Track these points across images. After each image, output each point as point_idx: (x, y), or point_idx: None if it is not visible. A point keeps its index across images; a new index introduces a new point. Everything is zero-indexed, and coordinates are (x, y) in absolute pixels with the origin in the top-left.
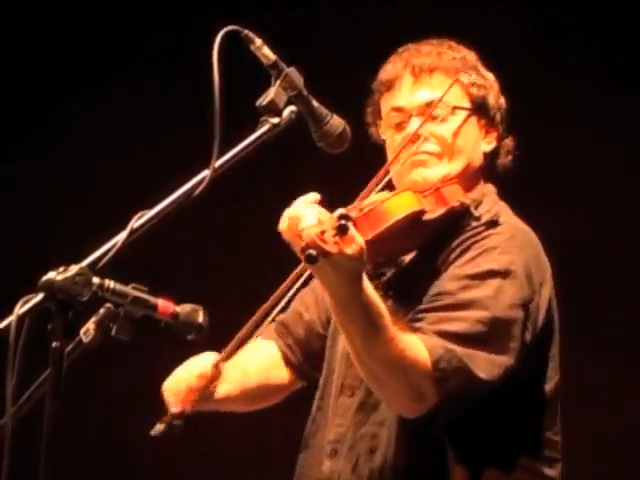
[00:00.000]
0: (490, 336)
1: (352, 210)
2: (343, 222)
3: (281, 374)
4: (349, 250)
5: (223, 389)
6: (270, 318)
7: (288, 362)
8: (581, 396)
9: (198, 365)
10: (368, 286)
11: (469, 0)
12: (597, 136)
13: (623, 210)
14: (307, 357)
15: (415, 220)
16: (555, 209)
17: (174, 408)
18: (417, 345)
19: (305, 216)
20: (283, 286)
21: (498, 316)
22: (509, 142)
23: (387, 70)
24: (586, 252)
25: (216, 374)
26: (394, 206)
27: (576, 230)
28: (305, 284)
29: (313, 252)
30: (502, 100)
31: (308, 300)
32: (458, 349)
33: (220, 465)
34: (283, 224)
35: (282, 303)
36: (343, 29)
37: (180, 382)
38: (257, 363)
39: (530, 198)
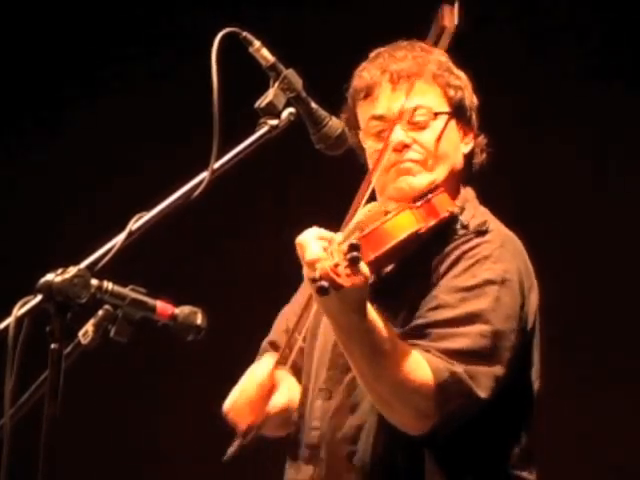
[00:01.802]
0: (492, 349)
1: (353, 232)
2: (355, 254)
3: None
4: (357, 281)
5: (281, 399)
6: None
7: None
8: (557, 398)
9: (255, 376)
10: (371, 312)
11: (468, 2)
12: (597, 136)
13: (623, 211)
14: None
15: (413, 237)
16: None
17: (241, 426)
18: (422, 367)
19: (309, 246)
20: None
21: (498, 328)
22: (482, 140)
23: (363, 77)
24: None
25: (273, 382)
26: (395, 227)
27: (574, 232)
28: None
29: (325, 284)
30: (475, 98)
31: (290, 317)
32: (461, 369)
33: (215, 467)
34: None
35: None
36: (342, 30)
37: (239, 399)
38: (293, 388)
39: (529, 200)
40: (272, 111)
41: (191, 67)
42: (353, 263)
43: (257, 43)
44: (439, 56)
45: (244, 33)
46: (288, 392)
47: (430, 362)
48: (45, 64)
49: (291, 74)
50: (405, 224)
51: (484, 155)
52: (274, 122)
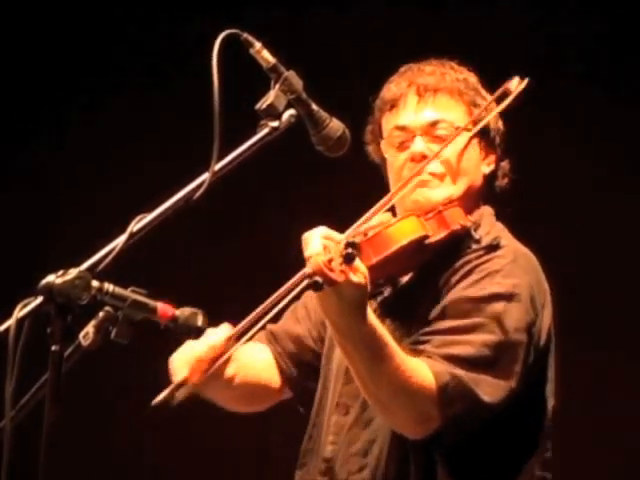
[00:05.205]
0: (496, 360)
1: (357, 235)
2: (350, 250)
3: (274, 378)
4: (355, 279)
5: (231, 370)
6: (276, 310)
7: (279, 368)
8: (575, 413)
9: (210, 337)
10: (371, 316)
11: (469, 8)
12: (598, 140)
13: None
14: (297, 366)
15: (418, 244)
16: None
17: (179, 377)
18: (423, 370)
19: (310, 242)
20: (290, 283)
21: (504, 340)
22: (505, 165)
23: (390, 89)
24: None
25: (227, 349)
26: (399, 232)
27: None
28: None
29: (319, 279)
30: (500, 123)
31: (300, 314)
32: (464, 374)
33: (216, 475)
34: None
35: (289, 297)
36: (343, 32)
37: (189, 352)
38: (255, 362)
39: (532, 208)
40: (273, 113)
41: (192, 68)
42: (348, 259)
43: (258, 45)
44: (468, 76)
45: (245, 35)
46: (240, 367)
47: (431, 366)
48: (46, 66)
49: (292, 76)
50: (408, 230)
51: (506, 180)
52: (275, 124)
